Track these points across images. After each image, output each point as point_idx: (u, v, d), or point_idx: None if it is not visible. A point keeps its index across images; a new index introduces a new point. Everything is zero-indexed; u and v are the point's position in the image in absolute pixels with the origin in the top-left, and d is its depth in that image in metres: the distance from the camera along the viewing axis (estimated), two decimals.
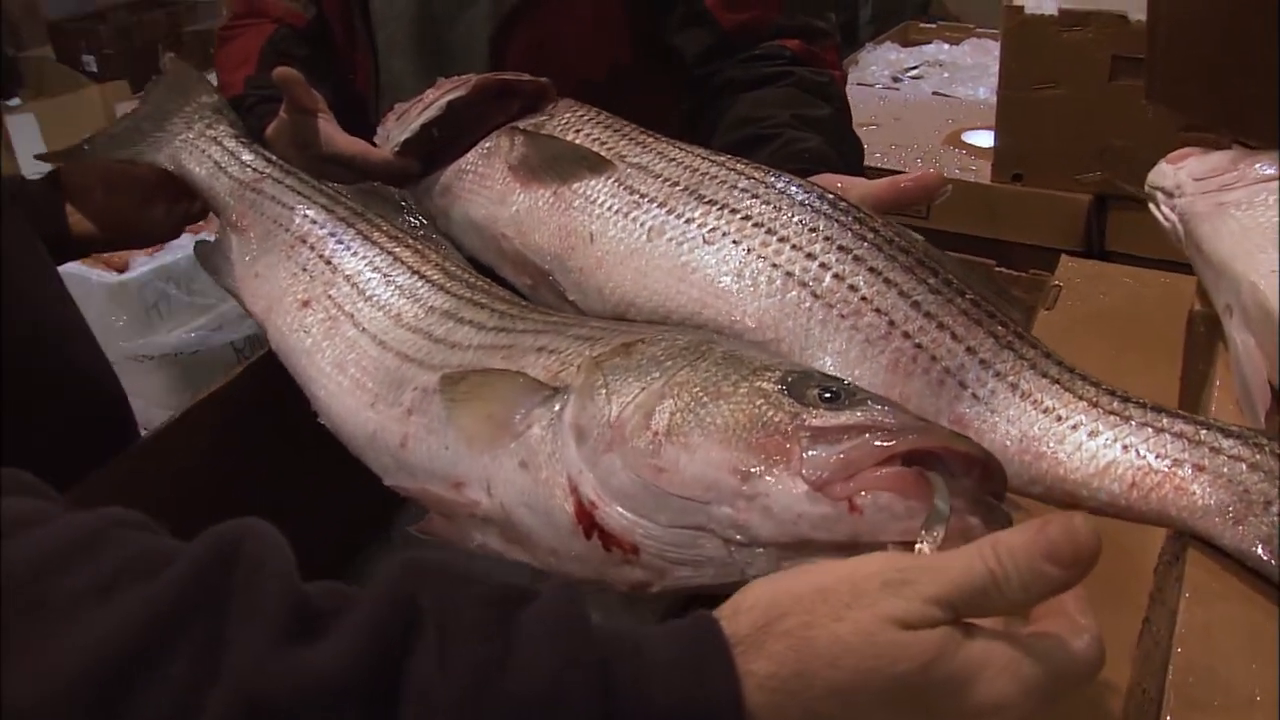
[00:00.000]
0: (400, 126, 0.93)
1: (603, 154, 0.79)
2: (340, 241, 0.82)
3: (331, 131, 0.95)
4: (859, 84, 2.41)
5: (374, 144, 0.95)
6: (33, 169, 2.89)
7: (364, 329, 0.75)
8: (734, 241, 0.70)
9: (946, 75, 2.44)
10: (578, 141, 0.83)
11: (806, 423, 0.50)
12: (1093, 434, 0.60)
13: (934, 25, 2.75)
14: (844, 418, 0.50)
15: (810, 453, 0.49)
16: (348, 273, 0.79)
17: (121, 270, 2.15)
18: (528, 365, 0.63)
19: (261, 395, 0.82)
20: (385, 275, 0.78)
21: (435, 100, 0.90)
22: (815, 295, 0.67)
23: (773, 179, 0.74)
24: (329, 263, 0.80)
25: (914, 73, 2.48)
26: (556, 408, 0.58)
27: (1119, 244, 1.75)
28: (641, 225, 0.74)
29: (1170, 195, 0.79)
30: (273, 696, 0.38)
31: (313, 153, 0.95)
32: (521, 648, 0.40)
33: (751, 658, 0.41)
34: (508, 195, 0.83)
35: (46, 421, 0.78)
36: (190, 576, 0.40)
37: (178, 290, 2.21)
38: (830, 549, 0.48)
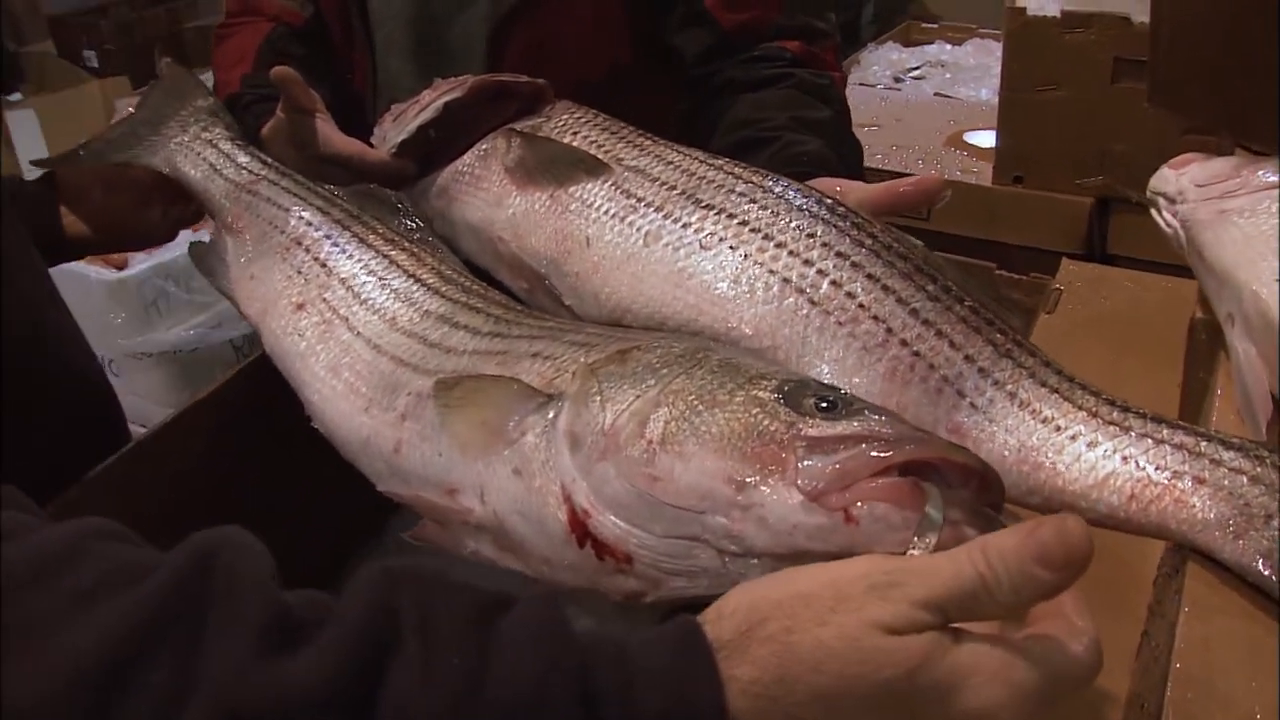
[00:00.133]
0: (397, 128, 0.92)
1: (599, 157, 0.79)
2: (335, 244, 0.81)
3: (329, 131, 0.94)
4: (860, 84, 2.41)
5: (371, 144, 0.95)
6: (30, 168, 2.89)
7: (358, 333, 0.74)
8: (731, 247, 0.70)
9: (949, 76, 2.44)
10: (575, 144, 0.82)
11: (802, 432, 0.50)
12: (1092, 444, 0.59)
13: (936, 25, 2.74)
14: (840, 427, 0.50)
15: (806, 463, 0.49)
16: (343, 276, 0.79)
17: (121, 268, 2.15)
18: (522, 371, 0.63)
19: (255, 398, 0.82)
20: (380, 279, 0.78)
21: (432, 101, 0.90)
22: (812, 302, 0.66)
23: (770, 183, 0.73)
24: (324, 266, 0.80)
25: (916, 73, 2.47)
26: (550, 415, 0.58)
27: (1121, 247, 1.75)
28: (638, 230, 0.73)
29: (1172, 201, 0.78)
30: (253, 707, 0.38)
31: (310, 153, 0.94)
32: (502, 657, 0.40)
33: (735, 663, 0.41)
34: (504, 198, 0.82)
35: (38, 424, 0.78)
36: (170, 587, 0.40)
37: (177, 288, 2.21)
38: (826, 560, 0.48)
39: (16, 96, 3.46)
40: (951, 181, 1.85)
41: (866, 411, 0.51)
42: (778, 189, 0.73)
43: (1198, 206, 0.74)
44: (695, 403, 0.53)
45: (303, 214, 0.84)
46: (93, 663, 0.37)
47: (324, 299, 0.78)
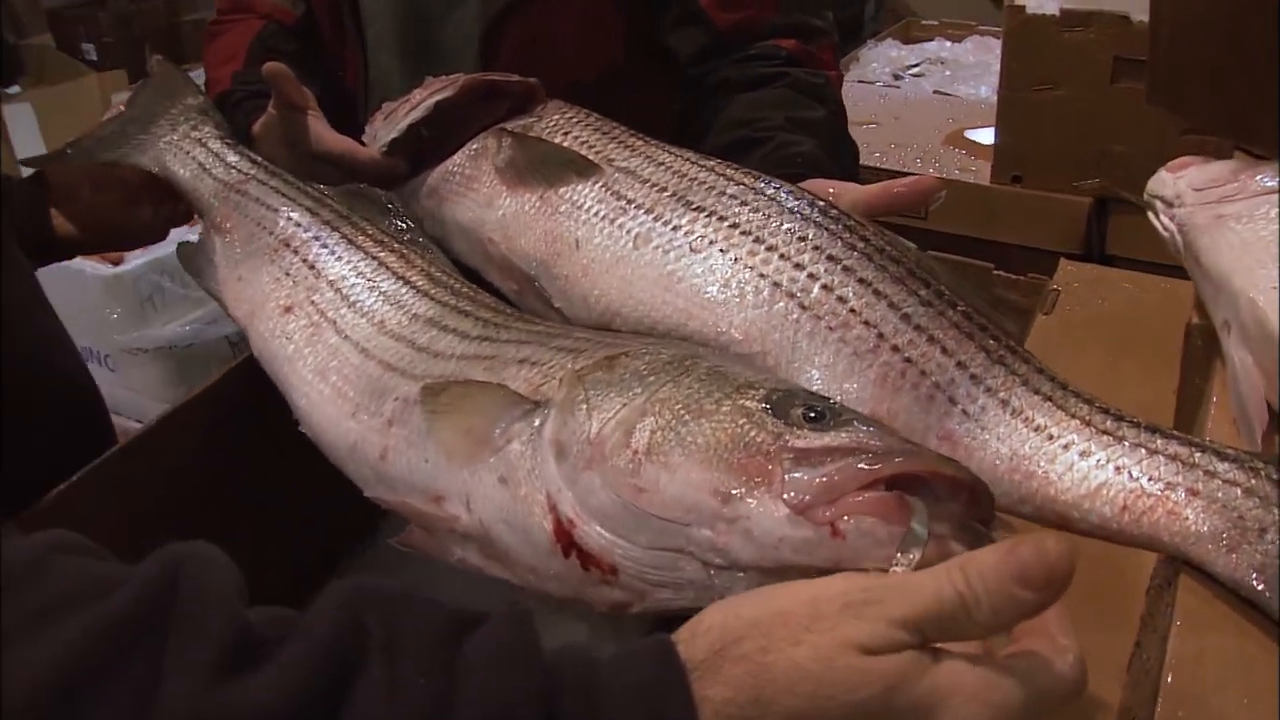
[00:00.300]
0: (388, 126, 0.91)
1: (590, 157, 0.78)
2: (324, 246, 0.80)
3: (320, 129, 0.94)
4: (859, 81, 2.39)
5: (362, 143, 0.94)
6: (27, 158, 2.88)
7: (346, 336, 0.74)
8: (721, 250, 0.69)
9: (948, 73, 2.42)
10: (565, 144, 0.81)
11: (789, 444, 0.49)
12: (1085, 454, 0.58)
13: (936, 23, 2.72)
14: (828, 439, 0.49)
15: (792, 475, 0.48)
16: (331, 278, 0.78)
17: (116, 263, 2.14)
18: (509, 377, 0.62)
19: (251, 394, 0.82)
20: (369, 281, 0.77)
21: (422, 100, 0.89)
22: (803, 307, 0.66)
23: (762, 185, 0.73)
24: (312, 267, 0.79)
25: (915, 70, 2.46)
26: (537, 422, 0.57)
27: (1120, 248, 1.74)
28: (627, 232, 0.72)
29: (1169, 205, 0.77)
30: None
31: (301, 150, 0.93)
32: (470, 678, 0.39)
33: (708, 683, 0.40)
34: (494, 198, 0.82)
35: (23, 427, 0.77)
36: (129, 605, 0.39)
37: (172, 283, 2.20)
38: (812, 574, 0.47)
39: (15, 89, 3.45)
40: (950, 181, 1.85)
41: (855, 422, 0.51)
42: (769, 191, 0.72)
43: (1195, 211, 0.73)
44: (682, 412, 0.52)
45: (291, 214, 0.84)
46: (50, 680, 0.37)
47: (312, 301, 0.77)
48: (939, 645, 0.41)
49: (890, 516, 0.46)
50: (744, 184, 0.73)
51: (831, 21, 1.13)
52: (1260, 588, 0.49)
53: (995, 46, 2.06)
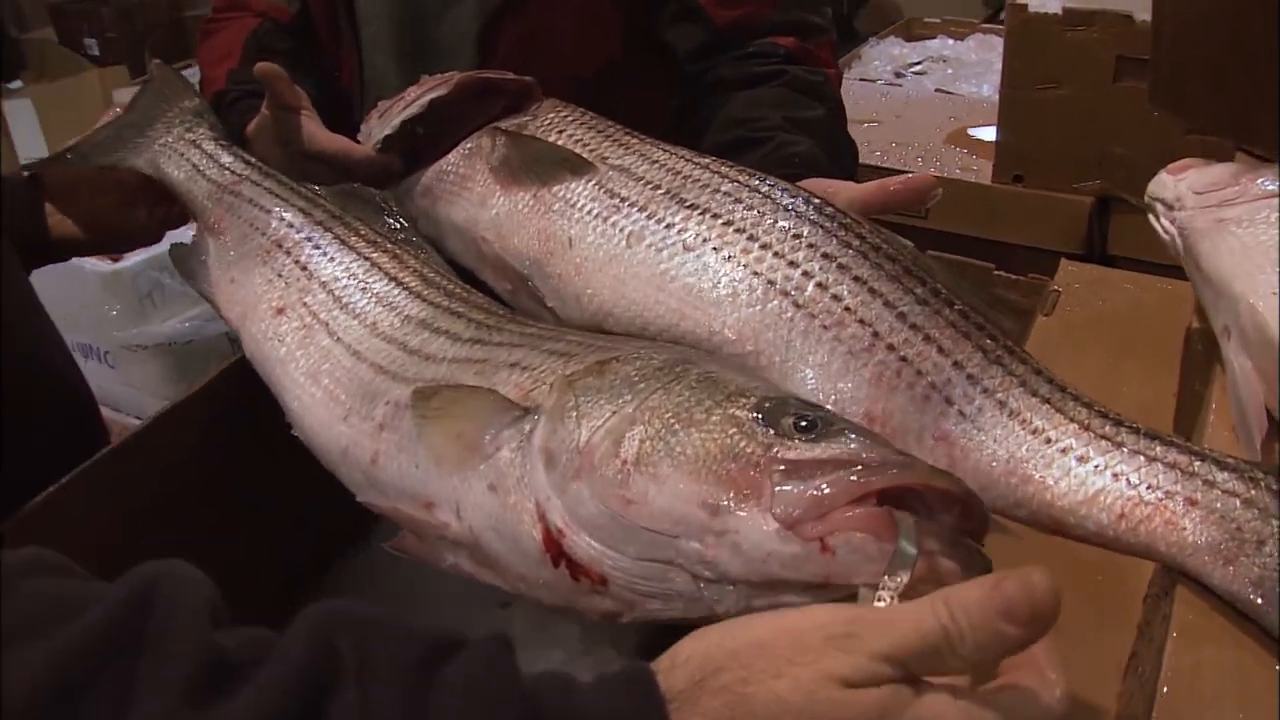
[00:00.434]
0: (382, 124, 0.91)
1: (585, 155, 0.77)
2: (317, 247, 0.80)
3: (314, 128, 0.93)
4: (861, 79, 2.38)
5: (358, 142, 0.93)
6: (27, 154, 2.88)
7: (339, 338, 0.73)
8: (715, 249, 0.68)
9: (950, 71, 2.41)
10: (560, 142, 0.81)
11: (779, 455, 0.48)
12: (1082, 459, 0.58)
13: (939, 20, 2.71)
14: (819, 450, 0.48)
15: (782, 488, 0.47)
16: (323, 279, 0.77)
17: (116, 259, 2.14)
18: (500, 382, 0.62)
19: (248, 392, 0.81)
20: (362, 282, 0.76)
21: (417, 98, 0.88)
22: (797, 305, 0.65)
23: (757, 182, 0.72)
24: (304, 269, 0.79)
25: (917, 68, 2.44)
26: (526, 429, 0.56)
27: (1122, 248, 1.73)
28: (621, 231, 0.72)
29: (1170, 207, 0.77)
30: None
31: (294, 150, 0.93)
32: (446, 705, 0.39)
33: (686, 714, 0.39)
34: (488, 197, 0.81)
35: (17, 428, 0.77)
36: (100, 627, 0.39)
37: (172, 280, 2.20)
38: (801, 589, 0.46)
39: (17, 84, 3.45)
40: (951, 180, 1.84)
41: (847, 432, 0.50)
42: (764, 188, 0.71)
43: (1195, 214, 0.72)
44: (671, 421, 0.51)
45: (284, 215, 0.83)
46: (22, 702, 0.36)
47: (304, 303, 0.76)
48: (925, 680, 0.40)
49: (881, 533, 0.46)
50: (738, 181, 0.72)
51: (830, 19, 1.12)
52: (1258, 601, 0.48)
53: (998, 45, 2.05)
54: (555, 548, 0.53)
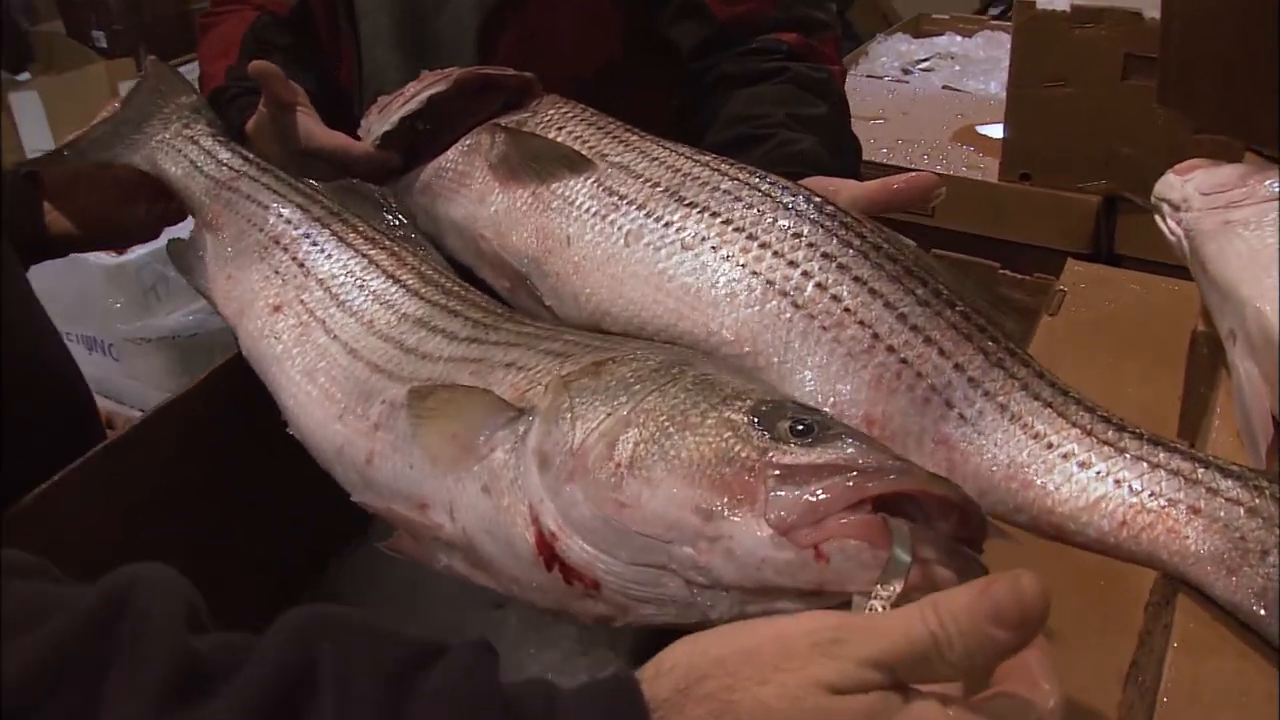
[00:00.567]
0: (381, 120, 0.90)
1: (584, 153, 0.77)
2: (314, 243, 0.79)
3: (311, 125, 0.92)
4: (868, 76, 2.37)
5: (358, 137, 0.93)
6: (33, 146, 2.88)
7: (335, 336, 0.73)
8: (713, 247, 0.67)
9: (958, 68, 2.39)
10: (560, 139, 0.80)
11: (774, 460, 0.48)
12: (1084, 465, 0.57)
13: (947, 17, 2.69)
14: (815, 455, 0.48)
15: (777, 493, 0.46)
16: (320, 277, 0.77)
17: (119, 253, 2.14)
18: (495, 382, 0.61)
19: (250, 386, 0.81)
20: (359, 280, 0.76)
21: (415, 94, 0.88)
22: (796, 305, 0.64)
23: (757, 180, 0.71)
24: (302, 266, 0.78)
25: (925, 65, 2.43)
26: (521, 431, 0.56)
27: (1129, 247, 1.71)
28: (619, 229, 0.71)
29: (1176, 208, 0.76)
30: None
31: (292, 147, 0.92)
32: (426, 713, 0.38)
33: None
34: (487, 195, 0.80)
35: (16, 426, 0.76)
36: (70, 632, 0.38)
37: (176, 273, 2.19)
38: (795, 595, 0.46)
39: (25, 76, 3.45)
40: (957, 178, 1.83)
41: (844, 437, 0.49)
42: (764, 186, 0.70)
43: (1202, 216, 0.71)
44: (666, 424, 0.50)
45: (282, 211, 0.82)
46: None
47: (301, 301, 0.76)
48: (914, 687, 0.40)
49: (876, 540, 0.45)
50: (739, 179, 0.71)
51: (834, 15, 1.11)
52: (1261, 613, 0.47)
53: (1006, 42, 2.03)
54: (548, 551, 0.52)
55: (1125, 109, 1.62)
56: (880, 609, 0.42)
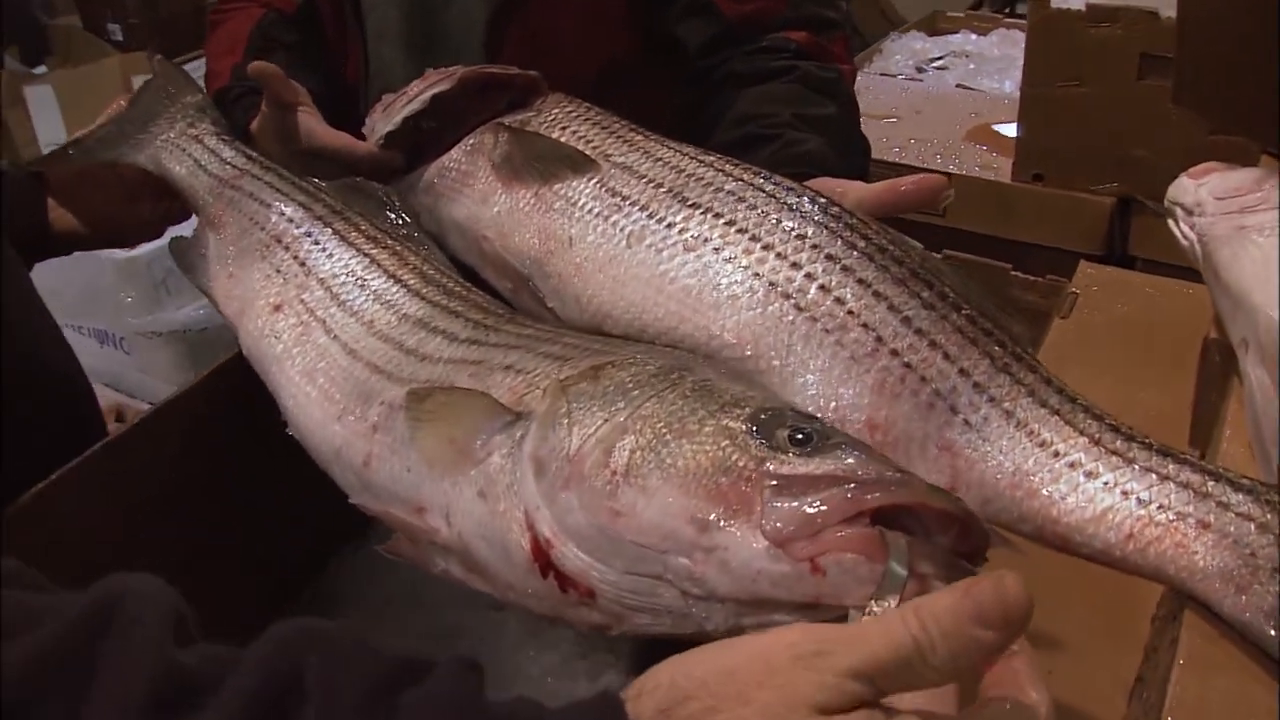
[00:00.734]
0: (385, 119, 0.89)
1: (587, 153, 0.76)
2: (316, 242, 0.79)
3: (312, 125, 0.92)
4: (881, 74, 2.35)
5: (362, 135, 0.92)
6: (47, 140, 2.89)
7: (335, 336, 0.72)
8: (716, 249, 0.66)
9: (972, 66, 2.38)
10: (563, 139, 0.79)
11: (771, 470, 0.47)
12: (1091, 474, 0.56)
13: (962, 15, 2.67)
14: (813, 465, 0.47)
15: (773, 504, 0.46)
16: (321, 276, 0.76)
17: (129, 247, 2.14)
18: (494, 385, 0.60)
19: (254, 382, 0.80)
20: (360, 279, 0.75)
21: (419, 93, 0.87)
22: (799, 308, 0.63)
23: (762, 181, 0.70)
24: (303, 265, 0.78)
25: (939, 63, 2.41)
26: (518, 435, 0.55)
27: (1143, 249, 1.69)
28: (621, 230, 0.70)
29: (1189, 212, 0.74)
30: None
31: (294, 147, 0.92)
32: None
33: None
34: (490, 195, 0.79)
35: (20, 425, 0.76)
36: (54, 642, 0.38)
37: None
38: (791, 608, 0.45)
39: (42, 69, 3.47)
40: (969, 178, 1.81)
41: (843, 447, 0.48)
42: (769, 187, 0.69)
43: (1216, 220, 0.70)
44: (663, 431, 0.50)
45: (284, 210, 0.82)
46: None
47: (302, 300, 0.75)
48: (898, 707, 0.39)
49: (873, 554, 0.44)
50: (743, 180, 0.70)
51: (845, 13, 1.10)
52: (1271, 632, 0.46)
53: (1021, 40, 2.01)
54: (543, 558, 0.51)
55: (1140, 109, 1.60)
56: None
